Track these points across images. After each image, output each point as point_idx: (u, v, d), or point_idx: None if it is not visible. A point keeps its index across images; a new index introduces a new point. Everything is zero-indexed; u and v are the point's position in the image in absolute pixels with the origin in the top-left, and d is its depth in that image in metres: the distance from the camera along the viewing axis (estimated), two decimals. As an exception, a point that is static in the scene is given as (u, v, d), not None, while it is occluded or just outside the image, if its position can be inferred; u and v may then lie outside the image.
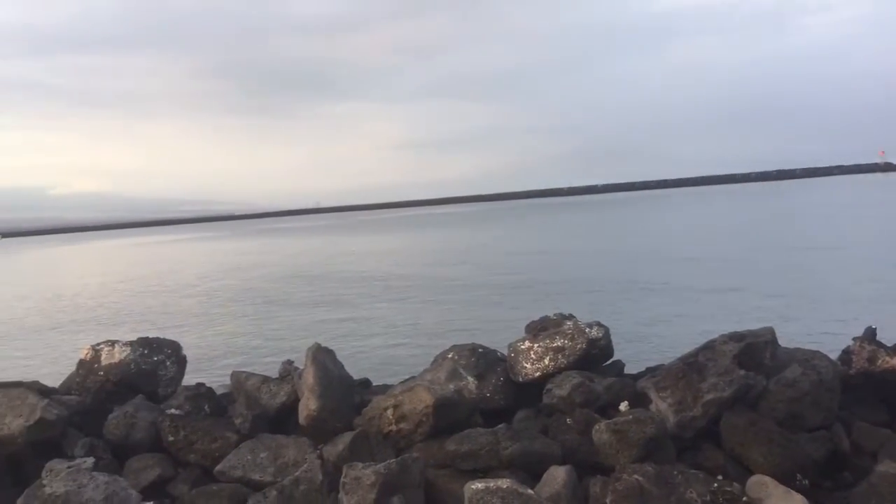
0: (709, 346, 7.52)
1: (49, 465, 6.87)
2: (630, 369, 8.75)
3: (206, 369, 13.03)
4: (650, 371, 8.43)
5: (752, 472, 6.50)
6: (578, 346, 7.89)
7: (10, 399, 7.71)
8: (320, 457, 6.99)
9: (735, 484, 6.16)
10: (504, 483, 5.95)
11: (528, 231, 68.62)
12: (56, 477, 6.59)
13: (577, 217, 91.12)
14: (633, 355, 11.02)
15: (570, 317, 8.44)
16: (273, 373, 8.67)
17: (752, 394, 7.15)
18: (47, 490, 6.43)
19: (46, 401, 7.69)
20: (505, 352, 8.38)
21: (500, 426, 7.06)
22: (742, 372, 7.12)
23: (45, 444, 7.58)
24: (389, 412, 7.19)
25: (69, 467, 6.73)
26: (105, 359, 8.71)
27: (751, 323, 9.77)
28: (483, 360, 8.18)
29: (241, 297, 29.35)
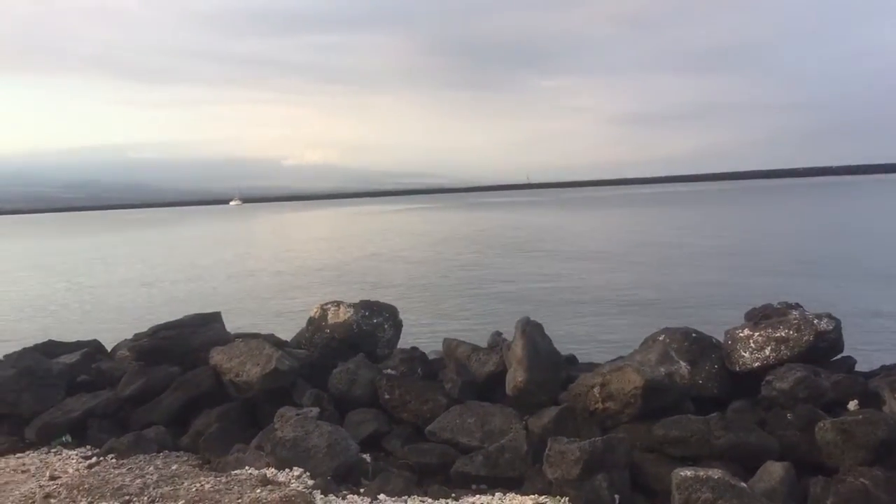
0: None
1: (280, 411, 7.55)
2: (861, 367, 8.07)
3: (418, 334, 13.61)
4: (885, 370, 7.73)
5: None
6: (805, 339, 7.38)
7: (250, 349, 8.55)
8: (525, 427, 7.11)
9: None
10: (715, 473, 5.72)
11: (762, 212, 64.71)
12: (286, 422, 7.23)
13: (807, 200, 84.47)
14: (866, 352, 10.11)
15: (797, 306, 7.89)
16: (481, 342, 8.91)
17: None
18: (279, 434, 7.08)
19: (280, 352, 8.43)
20: (720, 338, 8.03)
21: (712, 415, 6.78)
22: None
23: (277, 391, 8.33)
24: (596, 390, 7.14)
25: (297, 414, 7.36)
26: (331, 318, 9.39)
27: None
28: (696, 345, 7.90)
29: (453, 266, 30.30)
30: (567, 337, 12.75)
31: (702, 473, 5.75)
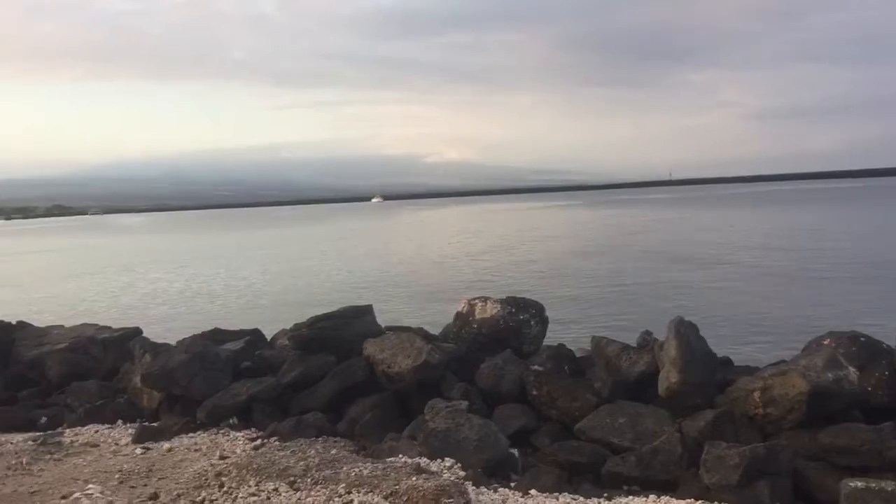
0: None
1: (431, 402, 7.73)
2: None
3: (563, 331, 13.52)
4: None
5: None
6: None
7: (402, 341, 8.82)
8: (680, 430, 6.93)
9: None
10: (889, 485, 5.38)
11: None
12: (437, 414, 7.40)
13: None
14: None
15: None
16: (629, 341, 8.76)
17: None
18: (430, 425, 7.25)
19: (430, 345, 8.64)
20: (891, 343, 7.51)
21: (885, 424, 6.36)
22: None
23: (426, 383, 8.54)
24: (756, 395, 6.86)
25: (447, 407, 7.52)
26: (478, 313, 9.52)
27: None
28: (865, 350, 7.43)
29: (596, 264, 29.85)
30: (721, 337, 12.27)
31: (874, 485, 5.44)
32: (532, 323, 9.54)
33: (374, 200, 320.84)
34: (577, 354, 9.29)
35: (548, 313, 9.92)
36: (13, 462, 7.38)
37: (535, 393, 8.13)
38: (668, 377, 7.44)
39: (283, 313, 18.76)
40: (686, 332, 7.60)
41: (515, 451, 7.33)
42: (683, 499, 6.05)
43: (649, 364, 8.06)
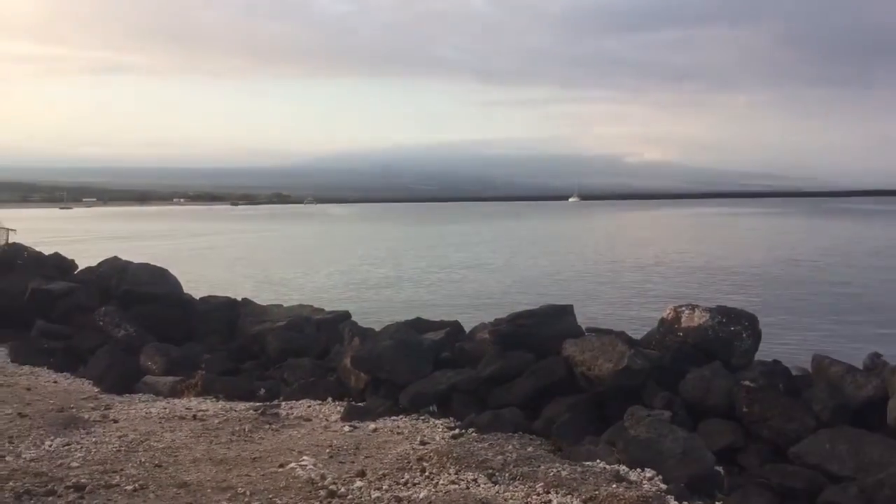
0: None
1: (631, 409, 7.52)
2: None
3: (776, 347, 12.65)
4: None
5: None
6: None
7: (603, 344, 8.64)
8: (912, 464, 6.26)
9: None
10: None
11: None
12: (638, 422, 7.18)
13: None
14: None
15: None
16: (853, 363, 8.05)
17: None
18: (631, 432, 7.05)
19: (633, 351, 8.40)
20: None
21: None
22: None
23: (626, 389, 8.30)
24: None
25: (649, 415, 7.27)
26: (685, 321, 9.12)
27: None
28: None
29: (816, 278, 27.75)
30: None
31: None
32: (744, 335, 8.98)
33: (571, 199, 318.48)
34: (793, 372, 8.67)
35: (761, 326, 9.33)
36: (237, 429, 8.04)
37: (745, 410, 7.66)
38: (902, 406, 6.73)
39: (481, 307, 19.10)
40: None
41: (720, 469, 6.97)
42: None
43: (878, 389, 7.38)
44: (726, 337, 8.91)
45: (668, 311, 9.44)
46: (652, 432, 6.91)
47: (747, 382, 7.97)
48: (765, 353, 9.46)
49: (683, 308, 9.30)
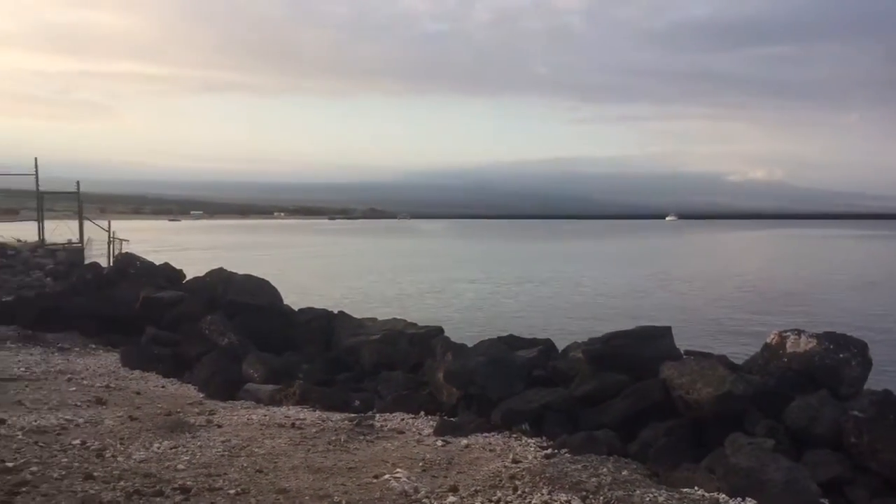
0: None
1: (731, 436, 7.28)
2: None
3: (890, 376, 12.02)
4: None
5: None
6: None
7: (703, 368, 8.40)
8: None
9: None
10: None
11: None
12: (739, 449, 6.94)
13: None
14: None
15: None
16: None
17: None
18: (731, 460, 6.82)
19: (734, 375, 8.14)
20: None
21: None
22: None
23: (727, 415, 8.03)
24: None
25: (751, 443, 7.02)
26: (790, 346, 8.79)
27: None
28: None
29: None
30: None
31: None
32: (853, 363, 8.58)
33: (668, 219, 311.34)
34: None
35: (871, 353, 8.88)
36: (333, 438, 8.22)
37: (853, 440, 7.29)
38: None
39: (574, 326, 18.89)
40: None
41: (826, 501, 6.65)
42: None
43: None
44: (834, 364, 8.53)
45: (772, 336, 9.12)
46: (754, 460, 6.68)
47: (856, 413, 7.59)
48: (875, 382, 9.02)
49: (789, 333, 8.97)
